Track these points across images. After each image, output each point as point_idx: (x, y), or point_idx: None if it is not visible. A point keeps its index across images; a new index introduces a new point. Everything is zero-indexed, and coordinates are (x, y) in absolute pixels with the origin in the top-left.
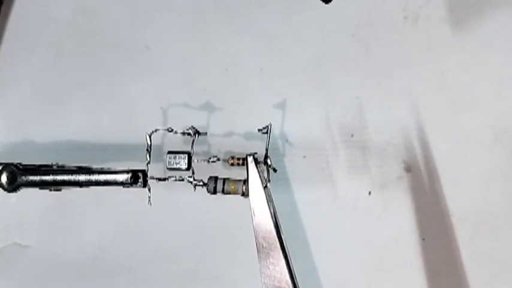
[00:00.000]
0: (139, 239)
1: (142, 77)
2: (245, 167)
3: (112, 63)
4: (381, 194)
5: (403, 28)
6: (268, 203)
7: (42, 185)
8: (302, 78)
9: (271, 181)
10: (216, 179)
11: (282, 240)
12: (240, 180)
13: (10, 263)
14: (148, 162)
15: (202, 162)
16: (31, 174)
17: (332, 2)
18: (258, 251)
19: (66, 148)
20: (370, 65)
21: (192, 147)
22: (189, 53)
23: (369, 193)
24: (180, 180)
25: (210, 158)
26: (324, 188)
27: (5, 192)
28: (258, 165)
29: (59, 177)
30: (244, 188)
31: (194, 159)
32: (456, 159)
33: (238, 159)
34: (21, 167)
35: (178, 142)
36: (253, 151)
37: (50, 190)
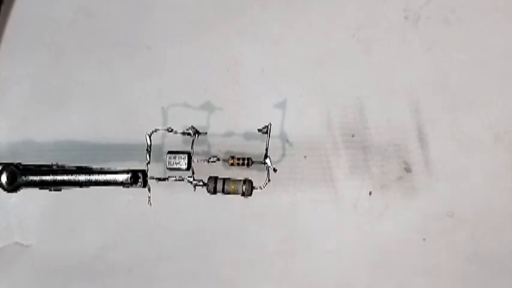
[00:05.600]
0: (140, 239)
1: (143, 77)
2: (245, 167)
3: (112, 63)
4: (381, 194)
5: (403, 28)
6: None
7: (42, 185)
8: (303, 79)
9: (271, 181)
10: (216, 179)
11: None
12: (240, 180)
13: (11, 262)
14: (148, 162)
15: (202, 162)
16: (31, 174)
17: (333, 2)
18: None
19: (66, 148)
20: (371, 66)
21: (192, 147)
22: (190, 53)
23: (370, 193)
24: (180, 180)
25: (210, 158)
26: (325, 188)
27: (5, 192)
28: None
29: (59, 177)
30: (244, 188)
31: (194, 159)
32: (456, 159)
33: (238, 159)
34: (21, 167)
35: (178, 142)
36: (254, 151)
37: (50, 190)
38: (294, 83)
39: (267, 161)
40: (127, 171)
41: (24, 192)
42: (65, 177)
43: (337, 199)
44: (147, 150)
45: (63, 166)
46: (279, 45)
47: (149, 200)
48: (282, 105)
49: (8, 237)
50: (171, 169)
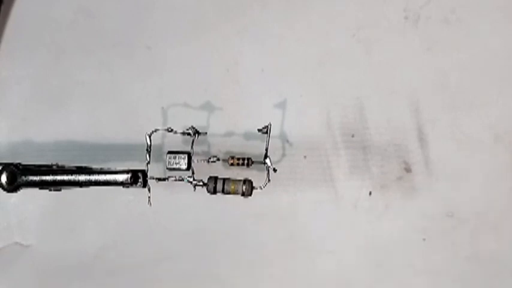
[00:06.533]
0: (140, 239)
1: (143, 77)
2: (245, 167)
3: (112, 63)
4: (381, 194)
5: (403, 28)
6: None
7: (42, 185)
8: (303, 79)
9: (271, 181)
10: (216, 179)
11: None
12: (240, 180)
13: (11, 262)
14: (148, 162)
15: (202, 162)
16: (31, 174)
17: (333, 2)
18: None
19: (66, 148)
20: (371, 66)
21: (192, 147)
22: (190, 53)
23: (370, 193)
24: (180, 180)
25: (210, 158)
26: (325, 188)
27: (5, 192)
28: None
29: (59, 177)
30: (244, 188)
31: (194, 159)
32: (456, 159)
33: (238, 159)
34: (21, 167)
35: (178, 142)
36: (254, 151)
37: (50, 190)
38: (294, 83)
39: (267, 161)
40: (127, 171)
41: (24, 192)
42: (65, 177)
43: (337, 199)
44: (147, 150)
45: (63, 166)
46: (279, 45)
47: (149, 200)
48: (282, 105)
49: (8, 237)
50: (171, 169)
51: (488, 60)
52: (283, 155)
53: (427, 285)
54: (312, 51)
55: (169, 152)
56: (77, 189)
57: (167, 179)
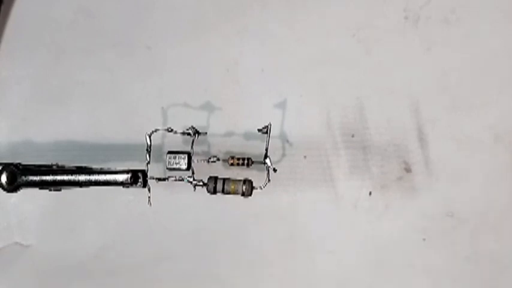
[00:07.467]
0: (140, 239)
1: (143, 77)
2: (245, 167)
3: (112, 63)
4: (381, 194)
5: (403, 28)
6: None
7: (42, 185)
8: (303, 79)
9: (271, 181)
10: (216, 179)
11: None
12: (240, 180)
13: (11, 262)
14: (148, 162)
15: (202, 162)
16: (31, 174)
17: (333, 2)
18: None
19: (66, 148)
20: (371, 66)
21: (192, 147)
22: (190, 53)
23: (370, 193)
24: (180, 180)
25: (210, 158)
26: (325, 188)
27: (5, 192)
28: None
29: (59, 177)
30: (244, 188)
31: (194, 159)
32: (456, 159)
33: (238, 159)
34: (21, 167)
35: (178, 142)
36: (254, 151)
37: (50, 190)
38: (294, 83)
39: (267, 161)
40: (127, 171)
41: (24, 192)
42: (65, 177)
43: (337, 199)
44: (147, 150)
45: (63, 166)
46: (279, 45)
47: (149, 200)
48: (282, 105)
49: (8, 237)
50: (171, 169)
51: (488, 60)
52: (283, 155)
53: (427, 285)
54: (312, 51)
55: (169, 152)
56: (77, 189)
57: (167, 179)
